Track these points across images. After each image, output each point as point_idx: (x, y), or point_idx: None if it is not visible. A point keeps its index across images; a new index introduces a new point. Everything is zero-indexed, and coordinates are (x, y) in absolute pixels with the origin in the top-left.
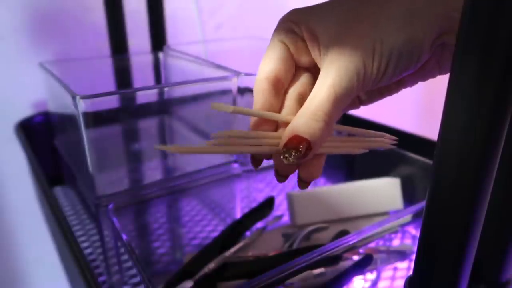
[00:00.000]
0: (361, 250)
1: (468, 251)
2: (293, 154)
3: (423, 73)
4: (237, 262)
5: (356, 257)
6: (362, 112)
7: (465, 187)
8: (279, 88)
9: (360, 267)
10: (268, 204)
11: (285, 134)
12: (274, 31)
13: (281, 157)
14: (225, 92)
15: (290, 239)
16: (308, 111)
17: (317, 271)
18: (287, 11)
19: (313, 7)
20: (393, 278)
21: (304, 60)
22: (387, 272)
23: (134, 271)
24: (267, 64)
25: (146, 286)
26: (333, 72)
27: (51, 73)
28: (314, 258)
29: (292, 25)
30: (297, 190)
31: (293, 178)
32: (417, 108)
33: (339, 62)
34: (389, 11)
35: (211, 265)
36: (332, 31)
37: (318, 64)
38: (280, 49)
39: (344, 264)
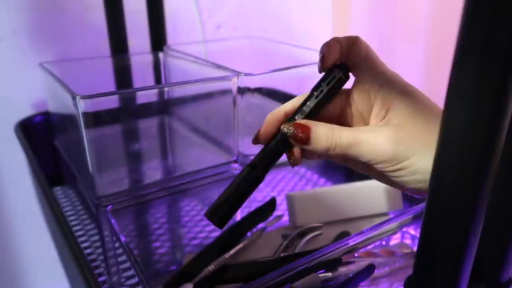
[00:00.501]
0: (361, 250)
1: (468, 251)
2: (291, 130)
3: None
4: (237, 264)
5: (355, 259)
6: None
7: (465, 187)
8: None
9: (362, 276)
10: (270, 205)
11: (304, 121)
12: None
13: (283, 126)
14: (225, 92)
15: (287, 239)
16: (330, 133)
17: (323, 275)
18: (287, 11)
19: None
20: (393, 278)
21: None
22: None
23: (133, 272)
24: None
25: (144, 287)
26: (378, 138)
27: (51, 73)
28: (315, 260)
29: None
30: (297, 191)
31: (293, 179)
32: None
33: (390, 141)
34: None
35: (211, 268)
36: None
37: (373, 116)
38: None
39: (345, 270)
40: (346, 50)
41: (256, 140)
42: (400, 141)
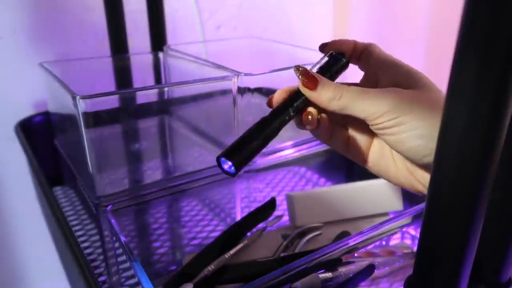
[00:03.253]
0: (361, 250)
1: (468, 251)
2: (300, 78)
3: None
4: (237, 264)
5: (355, 259)
6: None
7: (465, 187)
8: None
9: (362, 276)
10: (270, 206)
11: (313, 73)
12: None
13: (295, 70)
14: (225, 92)
15: (287, 239)
16: (337, 86)
17: (323, 275)
18: (287, 11)
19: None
20: (393, 278)
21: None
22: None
23: (133, 272)
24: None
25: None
26: (382, 95)
27: (51, 73)
28: (316, 260)
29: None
30: (297, 191)
31: (293, 179)
32: None
33: (394, 95)
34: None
35: (211, 268)
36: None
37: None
38: None
39: (345, 270)
40: (357, 54)
41: (269, 103)
42: (403, 98)
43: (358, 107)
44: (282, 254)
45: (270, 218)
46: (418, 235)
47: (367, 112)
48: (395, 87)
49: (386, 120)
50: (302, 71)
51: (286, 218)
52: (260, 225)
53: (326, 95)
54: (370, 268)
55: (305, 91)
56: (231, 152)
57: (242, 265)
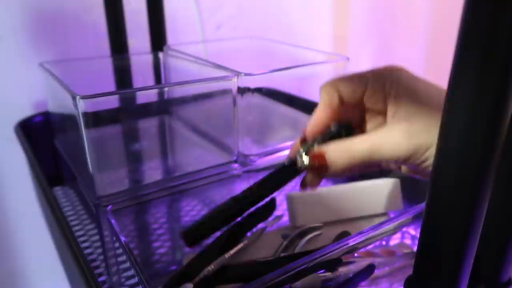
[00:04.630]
0: (361, 250)
1: (468, 251)
2: (308, 162)
3: None
4: (237, 264)
5: (355, 259)
6: None
7: (465, 187)
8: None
9: (362, 276)
10: (269, 205)
11: (318, 150)
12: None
13: (298, 155)
14: (225, 92)
15: (287, 239)
16: (346, 149)
17: (323, 274)
18: (287, 11)
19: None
20: (393, 278)
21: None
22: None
23: (133, 272)
24: (351, 82)
25: (144, 287)
26: (394, 136)
27: (51, 73)
28: (316, 260)
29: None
30: (297, 191)
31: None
32: None
33: (405, 135)
34: None
35: (211, 268)
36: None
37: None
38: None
39: (345, 269)
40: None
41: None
42: (417, 133)
43: (379, 157)
44: (282, 254)
45: (270, 218)
46: (418, 235)
47: (390, 159)
48: (400, 118)
49: (414, 161)
50: (310, 166)
51: (286, 218)
52: (260, 225)
53: (341, 167)
54: (370, 268)
55: (322, 172)
56: (188, 231)
57: (242, 265)
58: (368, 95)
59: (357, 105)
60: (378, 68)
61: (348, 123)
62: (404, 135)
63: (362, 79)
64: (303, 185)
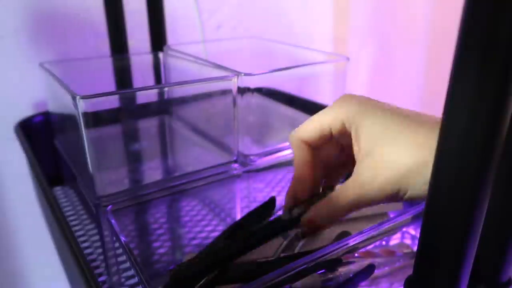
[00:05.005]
0: (361, 250)
1: (468, 251)
2: (302, 231)
3: None
4: (237, 264)
5: (355, 259)
6: None
7: (465, 187)
8: (313, 147)
9: (362, 276)
10: (269, 205)
11: (306, 219)
12: (334, 105)
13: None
14: (225, 92)
15: (287, 239)
16: (331, 208)
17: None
18: (287, 11)
19: (370, 105)
20: (393, 278)
21: (341, 140)
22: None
23: (133, 272)
24: (311, 128)
25: (144, 287)
26: (362, 174)
27: (51, 73)
28: (316, 260)
29: (344, 117)
30: None
31: (291, 178)
32: (417, 109)
33: (379, 178)
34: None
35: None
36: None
37: (355, 155)
38: (327, 125)
39: (345, 269)
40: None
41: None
42: (382, 166)
43: (366, 202)
44: (282, 254)
45: (270, 218)
46: (418, 235)
47: (375, 201)
48: (366, 151)
49: (400, 196)
50: (304, 234)
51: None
52: None
53: (333, 224)
54: (370, 268)
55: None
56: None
57: (242, 265)
58: (335, 135)
59: (333, 143)
60: (332, 106)
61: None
62: (371, 171)
63: (323, 124)
64: (302, 236)
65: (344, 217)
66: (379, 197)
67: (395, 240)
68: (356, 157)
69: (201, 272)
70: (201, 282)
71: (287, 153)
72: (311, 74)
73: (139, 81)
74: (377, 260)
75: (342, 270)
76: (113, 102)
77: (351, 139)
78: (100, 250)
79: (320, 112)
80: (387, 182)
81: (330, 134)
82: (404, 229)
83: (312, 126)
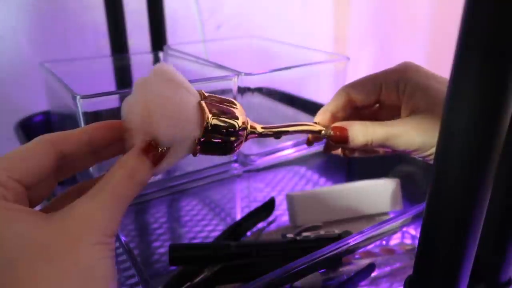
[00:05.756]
0: (361, 250)
1: (468, 251)
2: (331, 132)
3: None
4: (237, 264)
5: (355, 259)
6: None
7: (466, 188)
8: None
9: (362, 276)
10: (268, 206)
11: (342, 123)
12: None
13: (324, 131)
14: (225, 92)
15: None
16: (367, 129)
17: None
18: (287, 11)
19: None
20: (393, 278)
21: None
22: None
23: (133, 272)
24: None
25: (144, 287)
26: (407, 131)
27: (51, 73)
28: (315, 260)
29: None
30: (297, 191)
31: (293, 179)
32: None
33: (416, 132)
34: None
35: (210, 268)
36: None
37: (402, 110)
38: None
39: (345, 269)
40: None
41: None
42: (426, 131)
43: (393, 145)
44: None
45: (270, 218)
46: (418, 235)
47: (400, 148)
48: (414, 112)
49: (419, 153)
50: (332, 136)
51: (286, 218)
52: (260, 225)
53: (359, 145)
54: (370, 268)
55: (341, 145)
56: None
57: (242, 265)
58: (382, 96)
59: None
60: (392, 68)
61: None
62: (415, 131)
63: (375, 84)
64: (325, 149)
65: (371, 145)
66: (409, 148)
67: (395, 240)
68: (403, 111)
69: (198, 249)
70: (199, 278)
71: (287, 153)
72: (311, 73)
73: None
74: (377, 260)
75: (342, 269)
76: (113, 101)
77: (393, 99)
78: None
79: (376, 74)
80: (423, 141)
81: (378, 96)
82: (404, 229)
83: (365, 85)
